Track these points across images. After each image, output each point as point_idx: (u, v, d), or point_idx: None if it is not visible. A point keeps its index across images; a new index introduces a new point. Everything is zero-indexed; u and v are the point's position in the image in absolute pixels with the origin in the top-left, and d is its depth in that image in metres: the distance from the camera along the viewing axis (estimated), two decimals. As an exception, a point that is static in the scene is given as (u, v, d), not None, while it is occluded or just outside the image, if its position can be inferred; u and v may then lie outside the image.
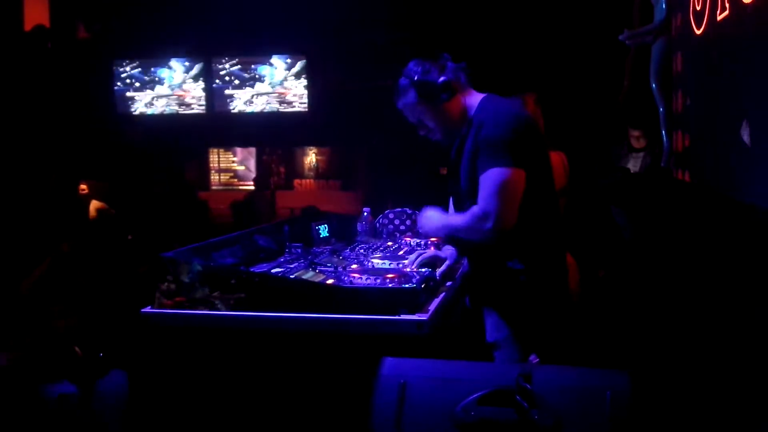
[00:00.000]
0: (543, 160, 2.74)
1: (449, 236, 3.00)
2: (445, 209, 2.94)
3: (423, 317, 2.47)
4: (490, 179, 2.55)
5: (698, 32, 4.44)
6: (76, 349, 4.28)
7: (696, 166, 4.73)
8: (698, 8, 4.40)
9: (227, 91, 11.48)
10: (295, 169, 12.21)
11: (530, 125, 2.68)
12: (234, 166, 12.42)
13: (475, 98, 2.76)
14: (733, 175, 3.76)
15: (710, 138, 4.29)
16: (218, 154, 12.42)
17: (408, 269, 2.88)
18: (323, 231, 3.76)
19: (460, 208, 2.80)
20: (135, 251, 7.43)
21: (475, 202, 2.62)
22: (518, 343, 2.68)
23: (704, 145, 4.46)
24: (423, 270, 2.84)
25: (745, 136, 3.40)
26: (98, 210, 8.34)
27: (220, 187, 12.21)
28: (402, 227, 4.03)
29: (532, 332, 2.68)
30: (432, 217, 2.85)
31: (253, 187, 11.61)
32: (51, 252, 6.12)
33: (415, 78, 2.73)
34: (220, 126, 11.59)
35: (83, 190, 8.31)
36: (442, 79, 2.71)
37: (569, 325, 2.76)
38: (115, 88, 11.68)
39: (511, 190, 2.55)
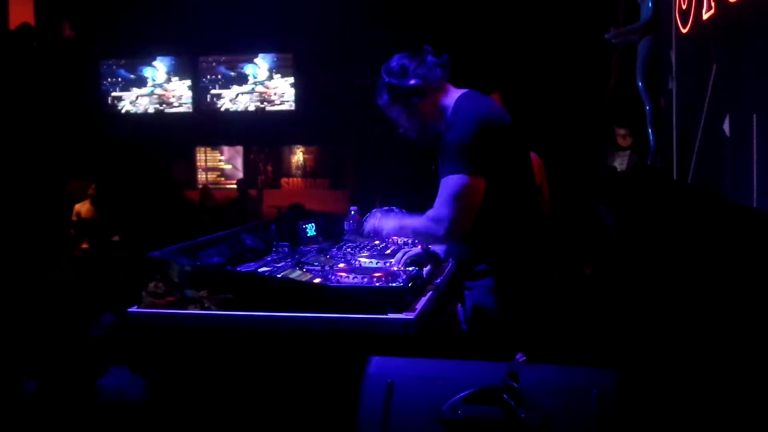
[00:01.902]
0: (514, 162, 2.71)
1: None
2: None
3: (410, 316, 2.46)
4: (447, 185, 2.57)
5: (684, 31, 4.46)
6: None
7: (680, 160, 4.76)
8: (684, 7, 4.42)
9: (214, 90, 11.47)
10: (283, 168, 12.19)
11: (499, 127, 2.65)
12: (221, 164, 12.39)
13: (452, 96, 2.74)
14: (714, 167, 3.78)
15: (694, 134, 4.31)
16: (205, 153, 12.39)
17: (395, 268, 2.88)
18: (310, 230, 3.75)
19: None
20: (122, 251, 7.44)
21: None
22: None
23: (689, 141, 4.48)
24: (410, 269, 2.83)
25: (726, 128, 3.44)
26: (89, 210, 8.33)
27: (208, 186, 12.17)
28: (389, 226, 4.02)
29: (502, 331, 2.67)
30: (388, 218, 2.96)
31: (235, 186, 11.58)
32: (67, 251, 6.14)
33: (386, 80, 2.75)
34: (206, 124, 11.57)
35: (92, 191, 8.32)
36: (411, 82, 2.71)
37: (542, 326, 2.75)
38: (102, 86, 11.64)
39: (467, 197, 2.55)
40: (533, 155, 4.31)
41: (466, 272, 2.77)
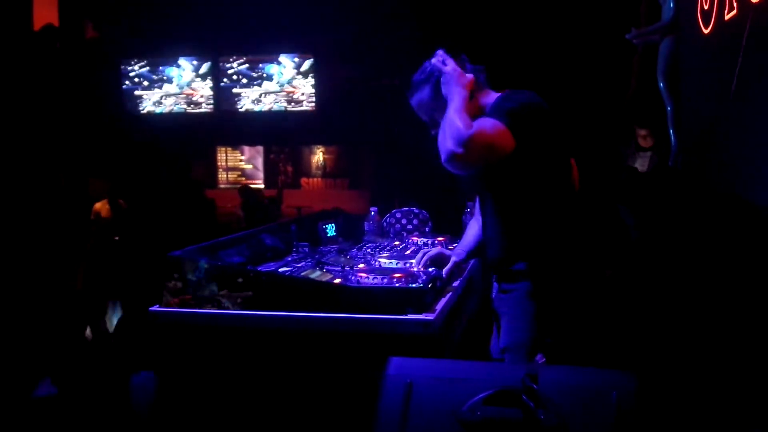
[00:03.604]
0: (558, 148, 2.56)
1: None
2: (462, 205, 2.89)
3: (430, 317, 2.47)
4: (484, 122, 2.38)
5: (706, 31, 4.43)
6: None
7: (703, 165, 4.73)
8: (706, 7, 4.40)
9: (235, 90, 11.52)
10: (303, 168, 12.23)
11: (547, 110, 2.50)
12: (242, 164, 12.45)
13: (492, 96, 2.64)
14: (740, 172, 3.76)
15: (715, 138, 4.28)
16: (226, 153, 12.46)
17: (415, 269, 2.88)
18: (330, 230, 3.77)
19: (482, 204, 2.75)
20: (130, 251, 7.53)
21: (490, 195, 2.59)
22: (529, 346, 2.57)
23: (710, 144, 4.45)
24: (430, 269, 2.84)
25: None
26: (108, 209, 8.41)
27: (228, 186, 12.23)
28: (409, 226, 4.03)
29: (540, 333, 2.60)
30: (459, 83, 2.57)
31: (262, 185, 11.65)
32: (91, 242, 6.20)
33: (435, 74, 2.61)
34: (227, 124, 11.63)
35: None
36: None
37: (579, 325, 2.67)
38: (124, 87, 11.74)
39: (491, 139, 2.35)
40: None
41: (501, 273, 2.65)
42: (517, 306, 2.56)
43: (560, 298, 2.53)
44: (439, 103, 2.58)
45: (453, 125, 2.39)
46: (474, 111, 2.55)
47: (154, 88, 11.74)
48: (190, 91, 11.69)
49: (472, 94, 2.58)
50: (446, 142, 2.40)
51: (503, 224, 2.62)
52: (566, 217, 2.60)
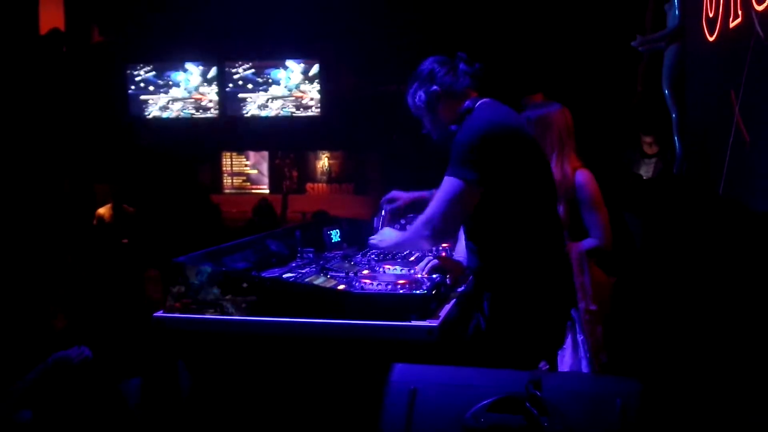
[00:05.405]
0: (527, 172, 2.67)
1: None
2: None
3: (433, 323, 2.47)
4: (444, 187, 2.61)
5: (711, 39, 4.44)
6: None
7: (707, 172, 4.72)
8: (711, 15, 4.40)
9: (241, 95, 11.53)
10: (308, 173, 12.23)
11: (508, 135, 2.63)
12: (247, 169, 12.44)
13: (474, 104, 2.75)
14: (742, 177, 3.76)
15: (720, 145, 4.28)
16: (231, 158, 12.44)
17: (419, 275, 2.89)
18: (335, 236, 3.76)
19: None
20: (134, 254, 7.53)
21: None
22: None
23: (715, 151, 4.45)
24: (434, 276, 2.84)
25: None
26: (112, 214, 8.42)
27: (233, 191, 12.23)
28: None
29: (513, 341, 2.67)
30: (387, 234, 3.01)
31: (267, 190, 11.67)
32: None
33: (413, 82, 2.83)
34: (233, 130, 11.63)
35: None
36: (433, 88, 2.76)
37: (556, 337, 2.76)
38: (129, 91, 11.75)
39: (458, 204, 2.59)
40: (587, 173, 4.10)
41: (482, 281, 2.77)
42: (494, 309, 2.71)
43: (521, 304, 2.65)
44: (418, 109, 2.84)
45: (420, 234, 2.71)
46: (452, 118, 2.75)
47: (160, 92, 11.76)
48: (196, 96, 11.71)
49: (445, 101, 2.76)
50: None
51: (469, 239, 2.78)
52: (533, 229, 2.68)
